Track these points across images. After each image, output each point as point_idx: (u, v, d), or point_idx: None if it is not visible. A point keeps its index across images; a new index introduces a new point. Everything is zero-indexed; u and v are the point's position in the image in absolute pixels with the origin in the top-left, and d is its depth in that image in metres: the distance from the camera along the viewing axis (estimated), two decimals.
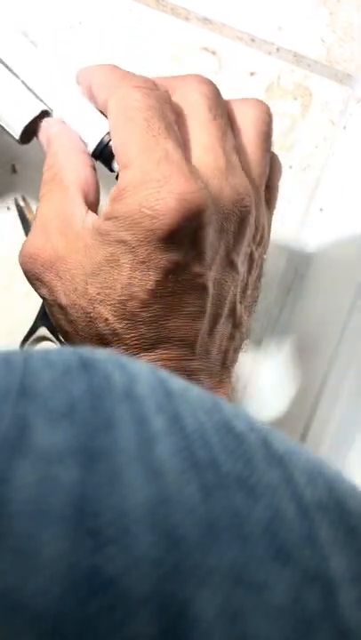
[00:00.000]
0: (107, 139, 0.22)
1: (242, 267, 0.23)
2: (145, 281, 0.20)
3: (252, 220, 0.22)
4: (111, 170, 0.23)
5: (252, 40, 0.36)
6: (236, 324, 0.24)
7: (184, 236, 0.19)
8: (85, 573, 0.09)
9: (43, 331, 0.33)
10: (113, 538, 0.09)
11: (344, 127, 0.38)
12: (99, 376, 0.13)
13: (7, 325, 0.35)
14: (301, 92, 0.37)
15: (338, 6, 0.37)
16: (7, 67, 0.22)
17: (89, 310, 0.21)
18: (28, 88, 0.22)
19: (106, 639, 0.08)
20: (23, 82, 0.22)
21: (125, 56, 0.34)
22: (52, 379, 0.12)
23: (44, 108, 0.23)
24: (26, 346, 0.33)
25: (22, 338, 0.34)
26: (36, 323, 0.33)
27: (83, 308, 0.21)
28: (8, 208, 0.34)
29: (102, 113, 0.22)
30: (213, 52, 0.36)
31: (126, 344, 0.21)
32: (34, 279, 0.22)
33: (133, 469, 0.10)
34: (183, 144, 0.21)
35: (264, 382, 0.40)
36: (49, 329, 0.33)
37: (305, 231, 0.39)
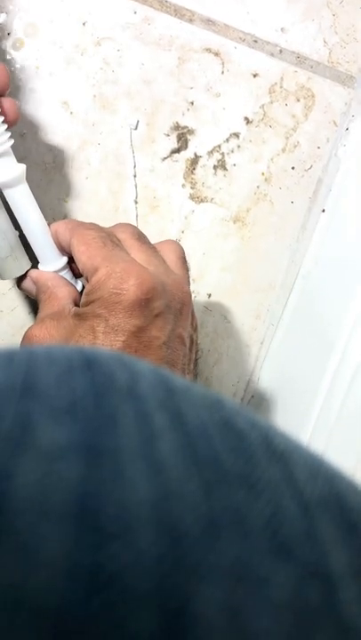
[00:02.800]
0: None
1: (187, 341, 0.29)
2: (115, 341, 0.26)
3: (191, 305, 0.29)
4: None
5: (256, 41, 0.36)
6: None
7: (143, 306, 0.26)
8: (88, 569, 0.09)
9: None
10: (115, 534, 0.09)
11: (346, 129, 0.38)
12: (101, 374, 0.13)
13: (12, 325, 0.35)
14: (304, 94, 0.37)
15: (341, 8, 0.37)
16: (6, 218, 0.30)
17: None
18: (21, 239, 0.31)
19: (107, 635, 0.08)
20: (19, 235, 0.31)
21: (129, 57, 0.35)
22: (55, 376, 0.12)
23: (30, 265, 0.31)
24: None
25: None
26: None
27: None
28: None
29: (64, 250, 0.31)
30: (217, 54, 0.36)
31: None
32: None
33: (136, 466, 0.10)
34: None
35: (265, 382, 0.40)
36: None
37: (307, 231, 0.39)
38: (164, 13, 0.35)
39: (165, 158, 0.36)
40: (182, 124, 0.36)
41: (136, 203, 0.36)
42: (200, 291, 0.38)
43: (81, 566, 0.09)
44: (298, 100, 0.37)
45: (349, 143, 0.38)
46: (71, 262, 0.31)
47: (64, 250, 0.30)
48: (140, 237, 0.30)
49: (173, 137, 0.36)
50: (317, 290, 0.38)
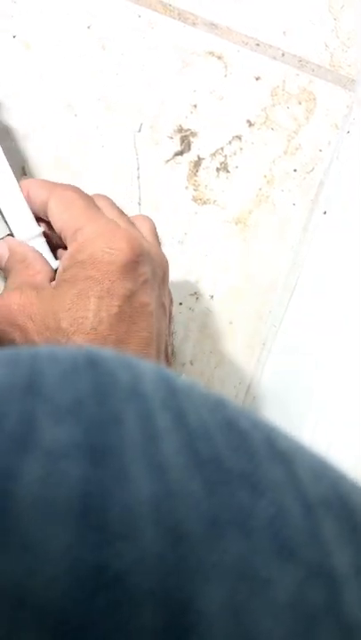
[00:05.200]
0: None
1: (168, 311, 0.28)
2: (111, 306, 0.24)
3: (168, 276, 0.29)
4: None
5: (258, 45, 0.36)
6: (167, 362, 0.28)
7: (134, 269, 0.25)
8: (91, 568, 0.09)
9: None
10: (118, 533, 0.09)
11: (348, 131, 0.38)
12: (105, 373, 0.13)
13: None
14: (306, 97, 0.37)
15: (342, 12, 0.37)
16: None
17: (64, 341, 0.24)
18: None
19: (111, 634, 0.08)
20: None
21: (133, 60, 0.35)
22: (59, 376, 0.12)
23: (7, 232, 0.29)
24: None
25: None
26: None
27: (57, 340, 0.24)
28: None
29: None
30: (219, 57, 0.36)
31: None
32: (7, 325, 0.26)
33: (139, 465, 0.10)
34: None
35: (267, 383, 0.40)
36: None
37: (308, 233, 0.39)
38: (167, 17, 0.35)
39: (168, 160, 0.36)
40: (185, 126, 0.36)
41: (139, 204, 0.36)
42: (202, 292, 0.38)
43: (85, 565, 0.09)
44: (300, 103, 0.37)
45: (351, 146, 0.38)
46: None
47: (37, 211, 0.28)
48: (118, 208, 0.29)
49: (177, 139, 0.36)
50: (319, 292, 0.38)
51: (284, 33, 0.37)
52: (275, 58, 0.37)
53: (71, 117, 0.34)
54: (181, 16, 0.35)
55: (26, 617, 0.08)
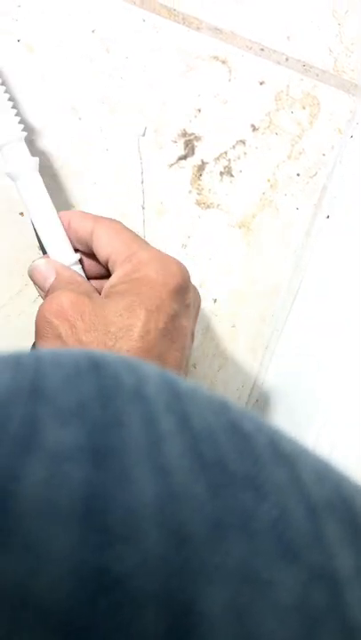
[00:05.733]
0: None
1: (193, 341, 0.29)
2: (159, 321, 0.25)
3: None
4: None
5: (262, 49, 0.36)
6: None
7: (181, 293, 0.27)
8: (94, 570, 0.09)
9: None
10: (121, 535, 0.09)
11: (351, 136, 0.38)
12: (108, 376, 0.13)
13: (19, 329, 0.35)
14: (310, 101, 0.37)
15: (346, 17, 0.37)
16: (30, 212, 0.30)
17: (110, 344, 0.25)
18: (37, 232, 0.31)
19: (114, 635, 0.08)
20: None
21: (137, 64, 0.35)
22: (62, 379, 0.12)
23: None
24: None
25: (33, 341, 0.34)
26: None
27: (104, 342, 0.25)
28: (21, 214, 0.34)
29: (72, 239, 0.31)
30: (224, 61, 0.36)
31: None
32: (57, 319, 0.26)
33: (142, 468, 0.10)
34: None
35: (270, 386, 0.40)
36: None
37: (312, 238, 0.39)
38: (172, 22, 0.35)
39: (172, 164, 0.36)
40: (189, 130, 0.36)
41: (143, 208, 0.36)
42: (206, 296, 0.38)
43: (87, 567, 0.09)
44: (303, 108, 0.37)
45: (354, 150, 0.38)
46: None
47: (77, 241, 0.30)
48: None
49: (180, 143, 0.36)
50: (322, 295, 0.38)
51: (288, 38, 0.37)
52: (279, 62, 0.37)
53: (75, 120, 0.34)
54: (186, 20, 0.35)
55: (28, 617, 0.08)
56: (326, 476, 0.12)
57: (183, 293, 0.27)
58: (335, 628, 0.09)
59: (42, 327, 0.26)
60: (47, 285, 0.29)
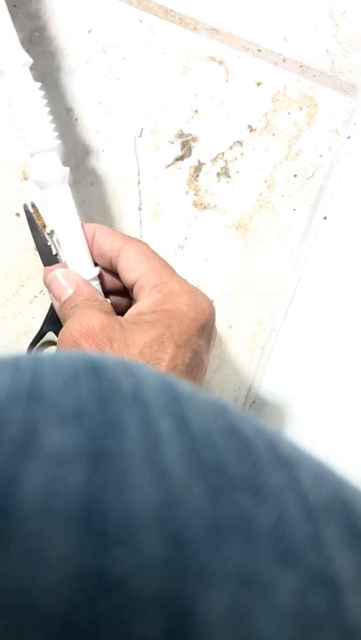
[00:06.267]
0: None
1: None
2: (185, 357, 0.26)
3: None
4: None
5: (259, 50, 0.36)
6: None
7: (208, 330, 0.27)
8: (93, 573, 0.09)
9: (50, 335, 0.34)
10: (120, 539, 0.09)
11: (348, 137, 0.38)
12: (107, 379, 0.13)
13: (16, 330, 0.35)
14: (307, 102, 0.37)
15: (343, 18, 0.37)
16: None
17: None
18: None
19: (113, 637, 0.08)
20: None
21: (134, 65, 0.35)
22: (60, 382, 0.12)
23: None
24: (34, 350, 0.33)
25: (30, 342, 0.34)
26: (43, 327, 0.34)
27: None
28: (17, 215, 0.34)
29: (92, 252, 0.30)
30: (221, 62, 0.36)
31: None
32: (86, 341, 0.26)
33: (141, 471, 0.10)
34: None
35: (267, 387, 0.40)
36: (56, 333, 0.33)
37: (308, 238, 0.39)
38: (168, 22, 0.35)
39: (169, 165, 0.36)
40: (186, 131, 0.36)
41: (140, 209, 0.36)
42: None
43: (86, 570, 0.09)
44: (301, 109, 0.37)
45: (351, 151, 0.38)
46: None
47: (99, 256, 0.29)
48: None
49: (177, 144, 0.36)
50: (319, 297, 0.38)
51: (285, 39, 0.37)
52: (276, 63, 0.37)
53: (72, 122, 0.34)
54: (183, 21, 0.35)
55: (29, 621, 0.08)
56: (325, 478, 0.12)
57: (209, 330, 0.27)
58: (334, 632, 0.09)
59: (67, 346, 0.26)
60: (64, 297, 0.28)
